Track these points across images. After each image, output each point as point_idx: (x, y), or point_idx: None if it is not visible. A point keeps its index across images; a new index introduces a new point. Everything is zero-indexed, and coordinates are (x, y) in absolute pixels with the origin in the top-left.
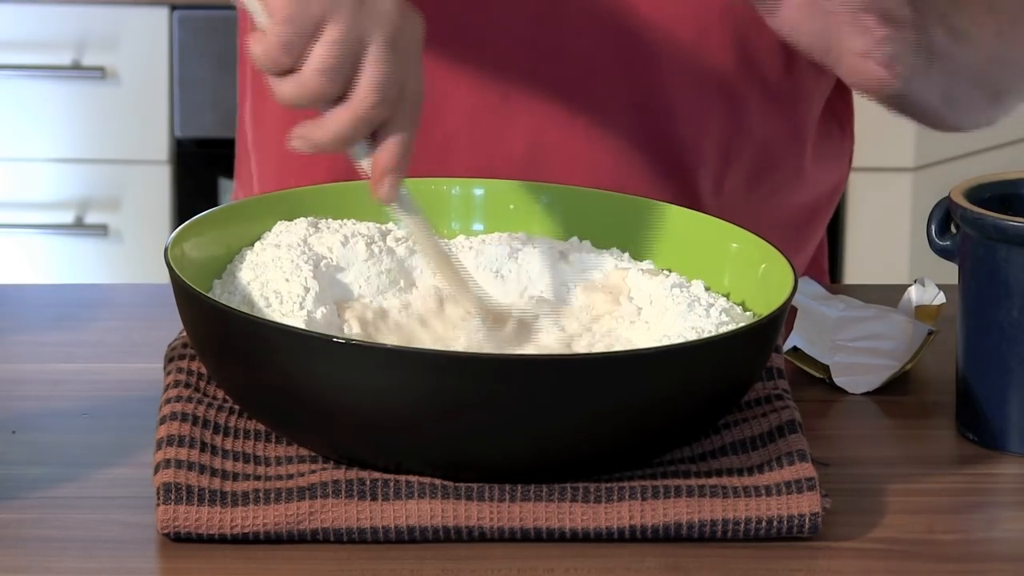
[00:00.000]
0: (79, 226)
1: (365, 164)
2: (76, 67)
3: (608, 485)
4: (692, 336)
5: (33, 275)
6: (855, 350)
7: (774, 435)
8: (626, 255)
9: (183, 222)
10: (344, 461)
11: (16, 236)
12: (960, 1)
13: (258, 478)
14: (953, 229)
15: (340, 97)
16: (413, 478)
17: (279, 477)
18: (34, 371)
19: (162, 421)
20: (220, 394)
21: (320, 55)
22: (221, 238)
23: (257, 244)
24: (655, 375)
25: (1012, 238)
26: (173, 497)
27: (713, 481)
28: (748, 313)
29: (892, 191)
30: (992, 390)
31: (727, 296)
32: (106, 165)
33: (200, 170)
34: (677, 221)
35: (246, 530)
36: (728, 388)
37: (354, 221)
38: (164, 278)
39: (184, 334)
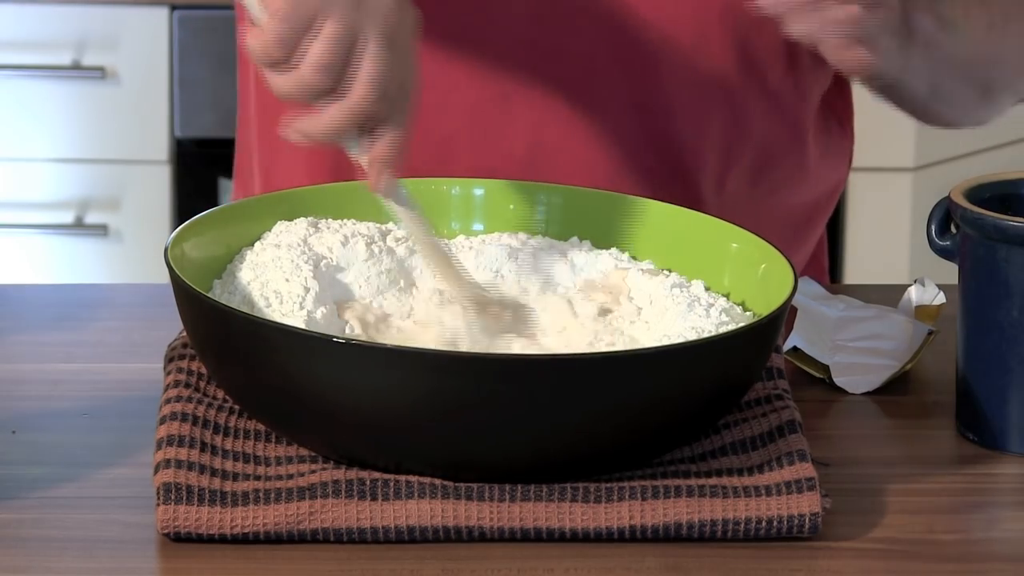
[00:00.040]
0: (79, 226)
1: (359, 157)
2: (76, 67)
3: (608, 485)
4: (692, 336)
5: (33, 275)
6: (855, 350)
7: (774, 435)
8: (626, 255)
9: (183, 222)
10: (344, 461)
11: (16, 236)
12: None
13: (258, 478)
14: (953, 229)
15: (336, 90)
16: (413, 478)
17: (279, 477)
18: (34, 371)
19: (162, 421)
20: (220, 394)
21: (318, 51)
22: (221, 238)
23: (257, 244)
24: (655, 375)
25: (1012, 238)
26: (173, 497)
27: (713, 481)
28: (748, 313)
29: (892, 191)
30: (992, 390)
31: (727, 296)
32: (106, 165)
33: (200, 170)
34: (677, 221)
35: (246, 530)
36: (728, 388)
37: (354, 221)
38: (164, 278)
39: (184, 334)
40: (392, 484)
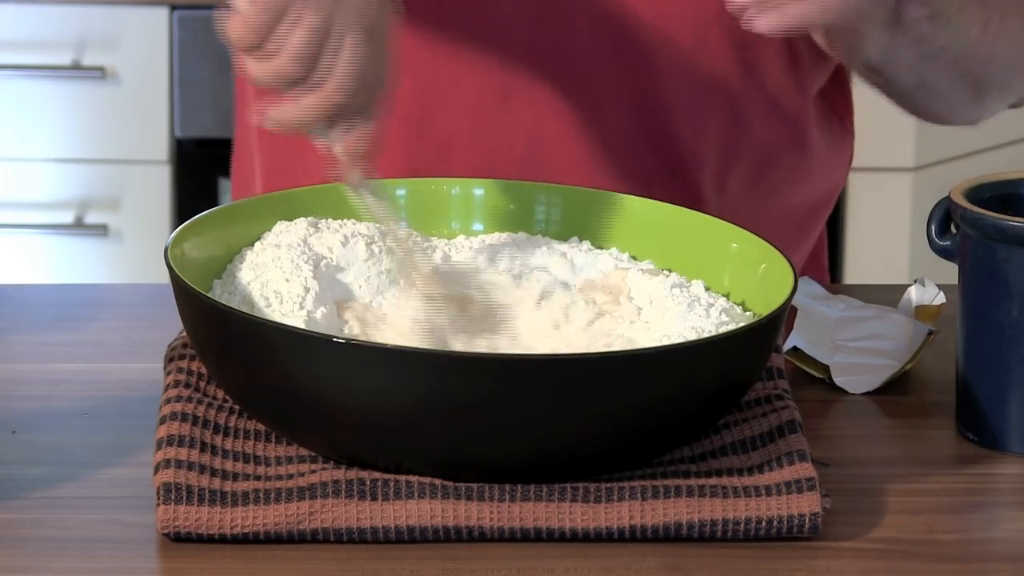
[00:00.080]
0: (79, 226)
1: (330, 148)
2: (76, 67)
3: (608, 485)
4: (692, 336)
5: (33, 275)
6: (855, 350)
7: (774, 435)
8: (626, 255)
9: (183, 222)
10: (344, 461)
11: (16, 236)
12: None
13: (258, 478)
14: (953, 229)
15: (311, 80)
16: (413, 478)
17: (279, 477)
18: (34, 371)
19: (162, 421)
20: (220, 394)
21: (294, 40)
22: (221, 238)
23: (257, 244)
24: (655, 375)
25: (1012, 238)
26: (173, 497)
27: (713, 481)
28: (748, 313)
29: (892, 191)
30: (992, 390)
31: (727, 296)
32: (106, 165)
33: (200, 170)
34: (677, 221)
35: (246, 530)
36: (728, 388)
37: (354, 221)
38: (164, 278)
39: (184, 334)
40: (392, 484)
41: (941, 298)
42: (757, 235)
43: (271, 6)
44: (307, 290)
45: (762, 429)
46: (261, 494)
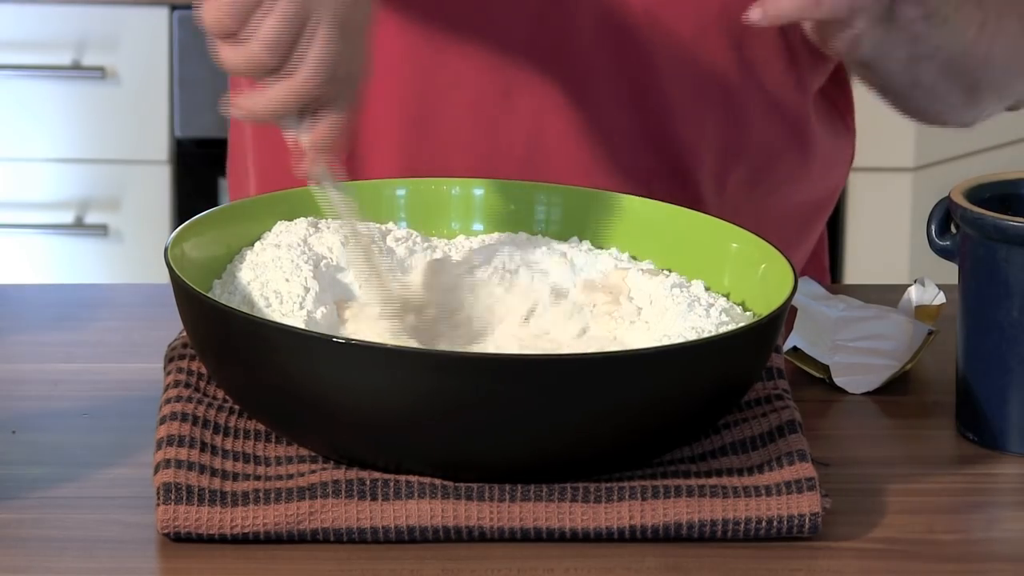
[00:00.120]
0: (79, 226)
1: (295, 137)
2: (76, 67)
3: (608, 485)
4: (692, 336)
5: (33, 275)
6: (855, 350)
7: (774, 435)
8: (626, 255)
9: (183, 222)
10: (344, 461)
11: (16, 236)
12: None
13: (258, 478)
14: (953, 229)
15: (283, 69)
16: (413, 478)
17: (279, 477)
18: (34, 371)
19: (162, 421)
20: (220, 394)
21: (268, 28)
22: (221, 238)
23: (257, 244)
24: (655, 375)
25: (1012, 238)
26: (173, 497)
27: (713, 481)
28: (748, 313)
29: (892, 191)
30: (992, 390)
31: (727, 296)
32: (106, 165)
33: (200, 170)
34: (677, 221)
35: (246, 530)
36: (728, 388)
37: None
38: (164, 278)
39: (184, 334)
40: (392, 484)
41: (941, 298)
42: (757, 235)
43: None
44: (307, 290)
45: (762, 429)
46: (261, 494)
